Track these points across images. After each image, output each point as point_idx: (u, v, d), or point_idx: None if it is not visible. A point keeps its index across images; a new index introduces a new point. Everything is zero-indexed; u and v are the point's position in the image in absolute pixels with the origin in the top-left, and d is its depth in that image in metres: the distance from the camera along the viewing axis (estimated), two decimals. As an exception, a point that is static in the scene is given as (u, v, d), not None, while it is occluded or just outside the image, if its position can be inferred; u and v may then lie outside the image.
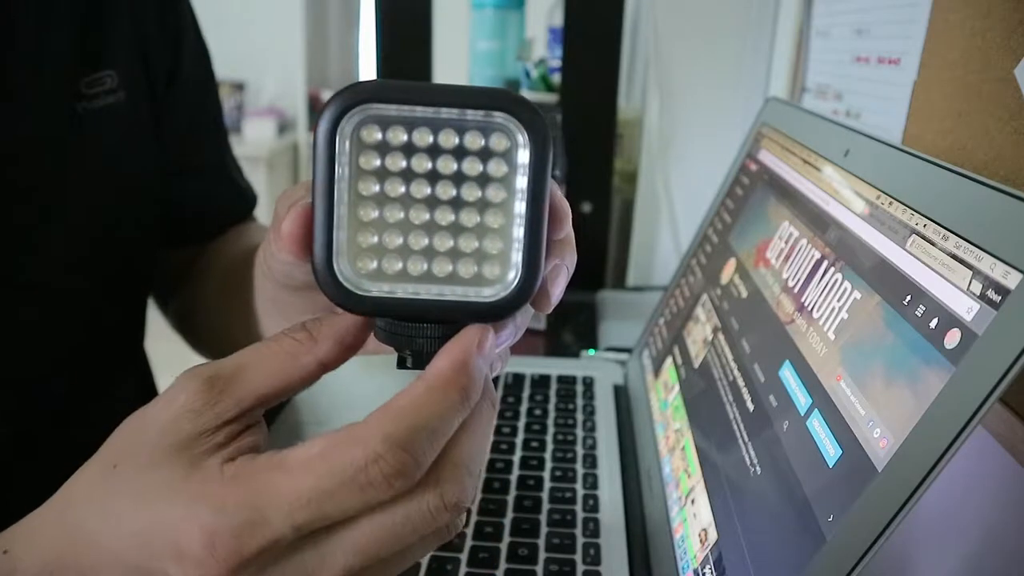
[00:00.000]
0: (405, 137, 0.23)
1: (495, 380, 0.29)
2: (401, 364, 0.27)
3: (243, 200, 0.63)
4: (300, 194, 0.28)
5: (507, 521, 0.47)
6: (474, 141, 0.23)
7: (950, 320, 0.28)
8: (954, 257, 0.29)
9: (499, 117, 0.23)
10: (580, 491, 0.51)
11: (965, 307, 0.28)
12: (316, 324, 0.26)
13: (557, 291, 0.27)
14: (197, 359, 0.70)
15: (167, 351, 0.81)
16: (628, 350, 0.71)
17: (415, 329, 0.26)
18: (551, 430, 0.58)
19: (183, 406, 0.25)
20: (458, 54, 1.00)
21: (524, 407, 0.61)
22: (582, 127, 0.89)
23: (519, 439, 0.57)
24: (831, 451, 0.32)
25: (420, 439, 0.23)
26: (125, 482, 0.25)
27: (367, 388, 0.59)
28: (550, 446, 0.56)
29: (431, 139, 0.23)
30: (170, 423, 0.25)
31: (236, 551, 0.23)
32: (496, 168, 0.24)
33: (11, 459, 0.45)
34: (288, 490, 0.23)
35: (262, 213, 0.65)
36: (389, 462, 0.23)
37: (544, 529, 0.47)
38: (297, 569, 0.24)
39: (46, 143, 0.44)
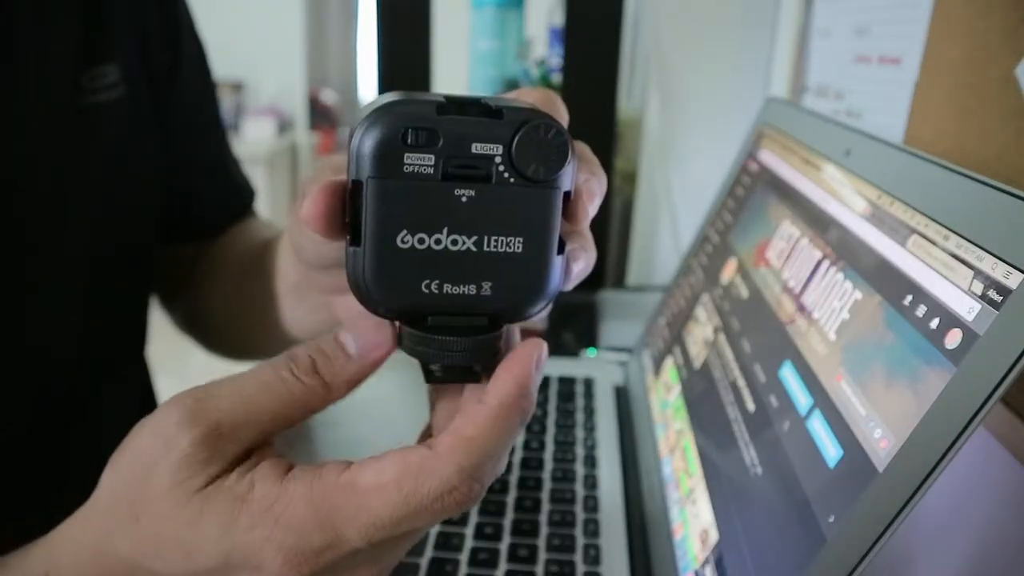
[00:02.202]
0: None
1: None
2: (429, 377, 0.27)
3: (243, 195, 0.63)
4: (326, 174, 0.28)
5: (507, 521, 0.47)
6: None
7: (951, 320, 0.28)
8: (955, 257, 0.29)
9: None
10: (580, 491, 0.51)
11: (966, 307, 0.28)
12: (330, 369, 0.26)
13: (577, 270, 0.27)
14: (196, 359, 0.70)
15: (167, 351, 0.81)
16: (628, 350, 0.71)
17: (447, 342, 0.25)
18: (551, 430, 0.58)
19: (187, 456, 0.24)
20: (458, 54, 1.00)
21: (524, 407, 0.61)
22: (582, 127, 0.89)
23: (519, 439, 0.56)
24: (832, 451, 0.32)
25: (488, 466, 0.25)
26: (161, 533, 0.25)
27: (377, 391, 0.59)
28: (550, 446, 0.56)
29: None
30: (176, 479, 0.24)
31: (317, 566, 0.24)
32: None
33: (11, 459, 0.45)
34: (366, 515, 0.24)
35: (262, 213, 0.65)
36: (463, 492, 0.24)
37: (544, 529, 0.47)
38: (359, 568, 0.26)
39: (47, 138, 0.44)
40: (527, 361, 0.25)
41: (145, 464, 0.25)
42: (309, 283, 0.39)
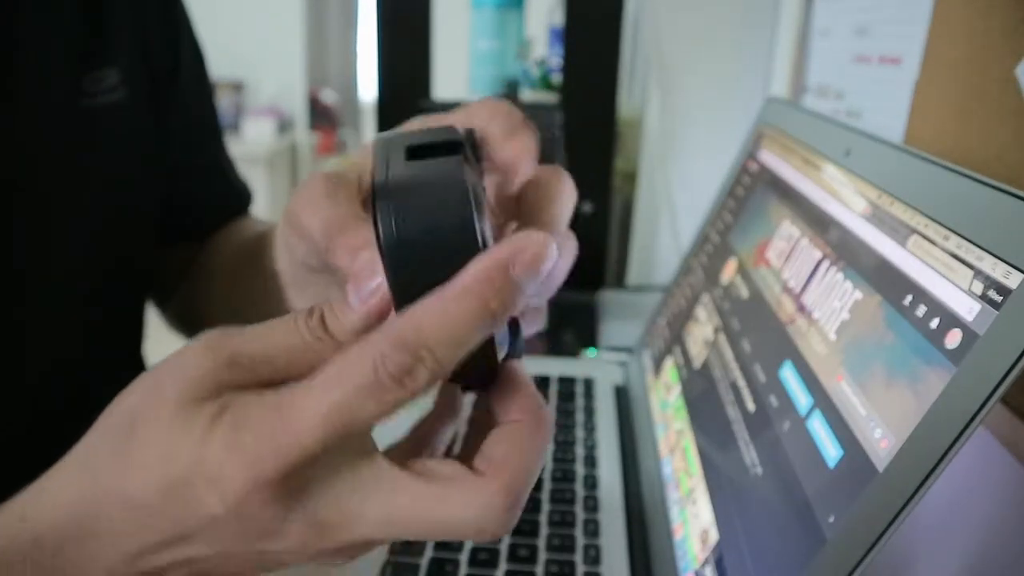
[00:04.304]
0: None
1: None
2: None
3: (240, 197, 0.63)
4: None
5: (507, 521, 0.47)
6: None
7: (951, 320, 0.28)
8: (955, 257, 0.29)
9: None
10: (580, 491, 0.51)
11: (966, 307, 0.28)
12: (337, 324, 0.26)
13: (523, 168, 0.29)
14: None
15: (165, 351, 0.81)
16: (628, 350, 0.71)
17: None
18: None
19: (203, 379, 0.24)
20: (458, 54, 1.00)
21: (524, 407, 0.61)
22: (582, 127, 0.89)
23: (519, 439, 0.56)
24: (832, 451, 0.32)
25: (425, 340, 0.23)
26: (147, 432, 0.24)
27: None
28: (550, 446, 0.56)
29: None
30: (190, 381, 0.24)
31: (273, 471, 0.23)
32: None
33: (11, 460, 0.45)
34: (312, 408, 0.23)
35: (262, 213, 0.65)
36: (395, 360, 0.22)
37: (544, 529, 0.47)
38: (331, 491, 0.24)
39: (48, 141, 0.44)
40: (501, 251, 0.24)
41: (162, 382, 0.25)
42: (303, 280, 0.39)
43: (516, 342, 0.27)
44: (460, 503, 0.24)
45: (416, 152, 0.25)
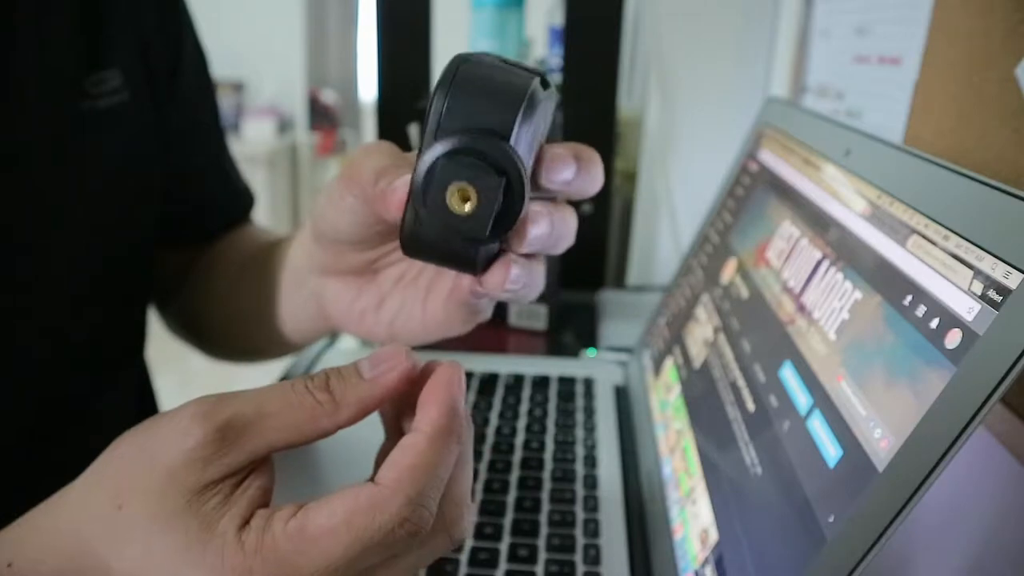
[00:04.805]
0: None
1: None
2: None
3: (241, 201, 0.63)
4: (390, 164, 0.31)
5: (507, 521, 0.47)
6: None
7: (951, 320, 0.28)
8: (955, 257, 0.29)
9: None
10: (580, 491, 0.51)
11: (966, 307, 0.28)
12: (341, 387, 0.26)
13: (535, 231, 0.29)
14: (195, 361, 0.70)
15: (166, 352, 0.81)
16: (628, 350, 0.71)
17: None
18: (551, 430, 0.58)
19: (192, 453, 0.25)
20: (458, 54, 1.00)
21: (524, 407, 0.61)
22: (582, 127, 0.89)
23: (519, 439, 0.56)
24: (832, 451, 0.32)
25: (433, 492, 0.25)
26: (134, 528, 0.25)
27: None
28: (550, 446, 0.56)
29: None
30: (177, 468, 0.25)
31: None
32: None
33: (11, 460, 0.45)
34: (319, 558, 0.24)
35: (262, 213, 0.65)
36: (414, 521, 0.25)
37: (544, 529, 0.47)
38: None
39: (49, 143, 0.44)
40: (448, 384, 0.27)
41: (152, 450, 0.25)
42: (336, 262, 0.39)
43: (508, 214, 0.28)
44: (363, 522, 0.25)
45: (507, 62, 0.28)
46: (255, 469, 0.26)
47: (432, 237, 0.28)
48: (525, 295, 0.32)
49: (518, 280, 0.30)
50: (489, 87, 0.26)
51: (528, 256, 0.31)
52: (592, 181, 0.31)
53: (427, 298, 0.38)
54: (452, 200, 0.26)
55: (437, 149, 0.26)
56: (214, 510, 0.25)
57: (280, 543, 0.24)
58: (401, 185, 0.29)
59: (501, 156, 0.26)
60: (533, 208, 0.29)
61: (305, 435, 0.26)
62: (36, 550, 0.26)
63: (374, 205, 0.31)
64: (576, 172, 0.30)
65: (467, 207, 0.26)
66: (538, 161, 0.30)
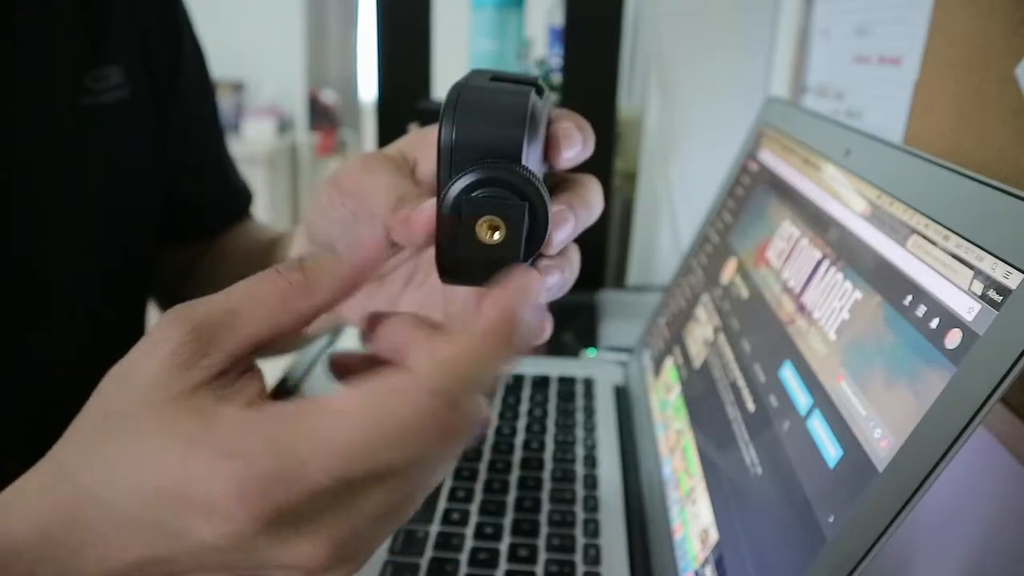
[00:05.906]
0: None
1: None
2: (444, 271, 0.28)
3: (241, 198, 0.63)
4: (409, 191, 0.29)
5: (507, 521, 0.47)
6: None
7: (951, 320, 0.28)
8: (955, 257, 0.29)
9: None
10: (580, 492, 0.51)
11: (966, 307, 0.28)
12: (314, 266, 0.25)
13: (561, 235, 0.28)
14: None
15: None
16: (628, 350, 0.71)
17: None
18: (551, 430, 0.58)
19: (170, 359, 0.23)
20: (458, 54, 1.00)
21: (524, 407, 0.61)
22: (582, 127, 0.89)
23: (519, 439, 0.56)
24: (832, 451, 0.32)
25: (467, 395, 0.22)
26: (124, 434, 0.23)
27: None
28: (550, 446, 0.56)
29: None
30: (159, 376, 0.23)
31: (272, 502, 0.21)
32: None
33: (11, 461, 0.45)
34: (327, 440, 0.21)
35: (262, 213, 0.65)
36: (439, 420, 0.22)
37: (544, 529, 0.47)
38: (335, 521, 0.23)
39: (50, 139, 0.44)
40: (516, 289, 0.24)
41: (131, 371, 0.24)
42: None
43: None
44: (378, 407, 0.22)
45: (498, 78, 0.28)
46: (244, 373, 0.24)
47: (469, 266, 0.28)
48: (565, 289, 0.31)
49: (555, 284, 0.30)
50: (491, 111, 0.27)
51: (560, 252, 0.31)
52: (591, 146, 0.32)
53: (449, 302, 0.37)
54: (481, 231, 0.26)
55: (458, 185, 0.26)
56: (213, 402, 0.23)
57: (289, 415, 0.22)
58: (424, 214, 0.27)
59: (519, 181, 0.26)
60: (553, 211, 0.29)
61: (281, 322, 0.24)
62: (26, 507, 0.24)
63: (393, 233, 0.29)
64: (583, 143, 0.30)
65: (497, 236, 0.26)
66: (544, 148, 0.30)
